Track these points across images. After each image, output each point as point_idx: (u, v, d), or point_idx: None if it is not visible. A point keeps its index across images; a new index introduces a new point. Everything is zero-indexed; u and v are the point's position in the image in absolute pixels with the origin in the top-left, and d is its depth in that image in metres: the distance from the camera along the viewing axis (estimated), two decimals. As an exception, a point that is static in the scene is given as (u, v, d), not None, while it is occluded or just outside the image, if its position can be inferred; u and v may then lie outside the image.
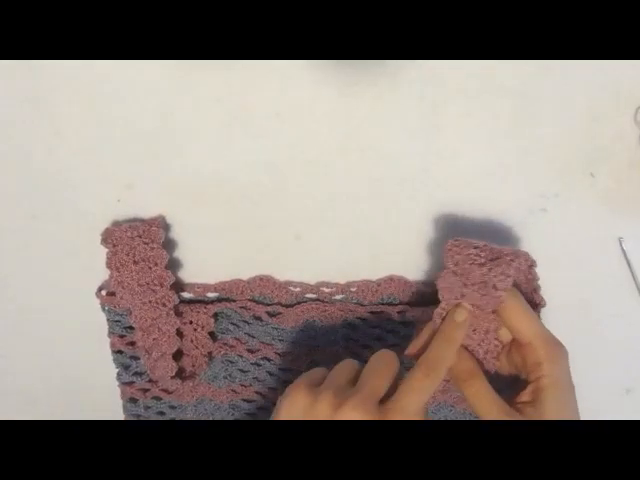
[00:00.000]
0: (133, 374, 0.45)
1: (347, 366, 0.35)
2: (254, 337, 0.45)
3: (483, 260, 0.35)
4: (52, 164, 0.41)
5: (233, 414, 0.48)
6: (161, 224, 0.41)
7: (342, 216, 0.42)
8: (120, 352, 0.45)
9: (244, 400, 0.47)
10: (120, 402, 0.47)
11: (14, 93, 0.39)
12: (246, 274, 0.44)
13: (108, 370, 0.45)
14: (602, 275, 0.44)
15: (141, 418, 0.47)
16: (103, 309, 0.44)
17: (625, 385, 0.48)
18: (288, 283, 0.44)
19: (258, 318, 0.44)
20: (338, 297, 0.44)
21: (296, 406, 0.33)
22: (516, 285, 0.38)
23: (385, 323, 0.44)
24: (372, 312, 0.44)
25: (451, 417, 0.47)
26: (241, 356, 0.45)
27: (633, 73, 0.38)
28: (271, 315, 0.44)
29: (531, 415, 0.34)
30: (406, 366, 0.38)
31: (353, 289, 0.44)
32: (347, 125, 0.39)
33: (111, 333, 0.44)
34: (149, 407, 0.47)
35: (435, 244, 0.42)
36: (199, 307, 0.43)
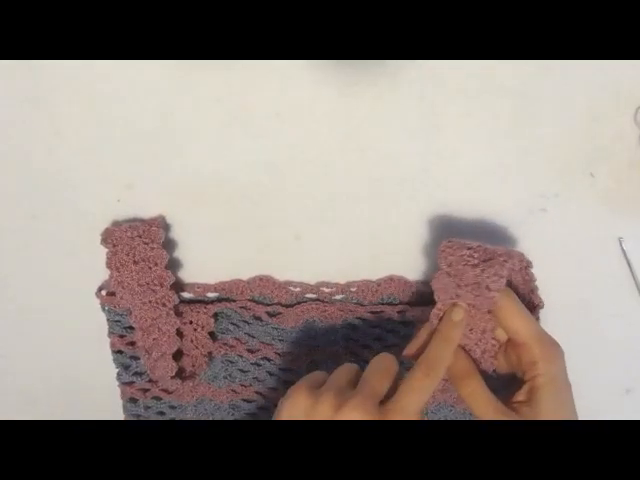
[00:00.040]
0: (133, 374, 0.45)
1: (347, 369, 0.36)
2: (254, 337, 0.45)
3: (476, 261, 0.35)
4: (52, 164, 0.41)
5: (233, 414, 0.48)
6: (161, 224, 0.41)
7: (342, 216, 0.42)
8: (120, 352, 0.45)
9: (244, 400, 0.47)
10: (120, 402, 0.47)
11: (14, 93, 0.39)
12: (246, 274, 0.44)
13: (108, 370, 0.45)
14: (602, 275, 0.44)
15: (141, 418, 0.47)
16: (103, 309, 0.44)
17: (625, 385, 0.48)
18: (288, 283, 0.44)
19: (258, 318, 0.44)
20: (338, 297, 0.44)
21: (297, 407, 0.33)
22: (513, 286, 0.38)
23: (385, 323, 0.44)
24: (372, 312, 0.44)
25: (451, 417, 0.47)
26: (241, 356, 0.45)
27: (633, 73, 0.38)
28: (271, 315, 0.44)
29: (527, 414, 0.34)
30: (406, 366, 0.38)
31: (353, 289, 0.44)
32: (347, 125, 0.39)
33: (111, 333, 0.44)
34: (149, 407, 0.47)
35: (435, 244, 0.42)
36: (199, 307, 0.43)
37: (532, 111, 0.39)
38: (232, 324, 0.45)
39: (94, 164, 0.41)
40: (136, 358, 0.45)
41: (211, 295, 0.45)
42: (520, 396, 0.35)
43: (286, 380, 0.46)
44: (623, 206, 0.42)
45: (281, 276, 0.44)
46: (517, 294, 0.38)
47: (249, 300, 0.44)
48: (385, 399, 0.33)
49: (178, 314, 0.43)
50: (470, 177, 0.41)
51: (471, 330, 0.36)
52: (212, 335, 0.45)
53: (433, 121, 0.39)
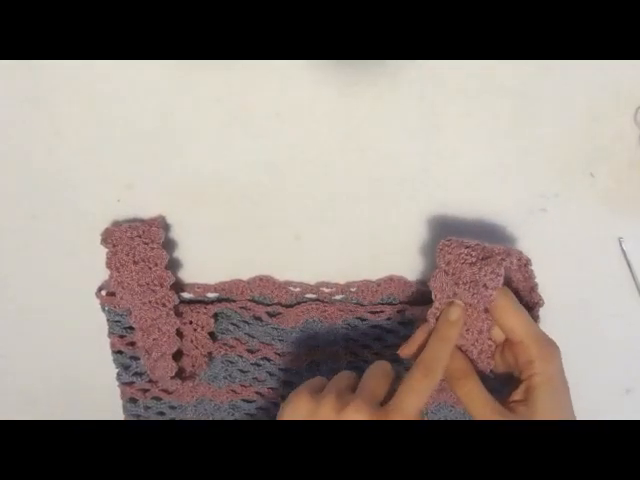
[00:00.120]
0: (133, 374, 0.45)
1: (346, 375, 0.36)
2: (254, 337, 0.45)
3: (474, 259, 0.35)
4: (52, 164, 0.41)
5: (233, 414, 0.48)
6: (161, 224, 0.41)
7: (342, 216, 0.42)
8: (120, 352, 0.45)
9: (244, 400, 0.47)
10: (120, 402, 0.47)
11: (14, 93, 0.39)
12: (246, 274, 0.44)
13: (108, 370, 0.45)
14: (602, 275, 0.44)
15: (141, 418, 0.47)
16: (103, 309, 0.44)
17: (625, 385, 0.48)
18: (288, 283, 0.44)
19: (258, 318, 0.44)
20: (338, 297, 0.44)
21: (299, 411, 0.33)
22: (513, 284, 0.38)
23: (385, 323, 0.44)
24: (372, 312, 0.44)
25: (451, 417, 0.47)
26: (241, 356, 0.45)
27: (633, 73, 0.38)
28: (271, 315, 0.44)
29: (523, 414, 0.34)
30: (405, 365, 0.38)
31: (353, 289, 0.44)
32: (347, 125, 0.39)
33: (111, 333, 0.44)
34: (149, 407, 0.47)
35: (435, 244, 0.42)
36: (199, 307, 0.43)
37: (532, 111, 0.39)
38: (232, 324, 0.45)
39: (94, 164, 0.41)
40: (136, 358, 0.45)
41: (211, 295, 0.45)
42: (517, 395, 0.35)
43: (286, 380, 0.46)
44: (623, 206, 0.42)
45: (281, 276, 0.44)
46: (517, 292, 0.38)
47: (249, 300, 0.44)
48: (384, 402, 0.34)
49: (178, 314, 0.43)
50: (470, 177, 0.41)
51: (468, 330, 0.36)
52: (212, 335, 0.45)
53: (433, 121, 0.39)
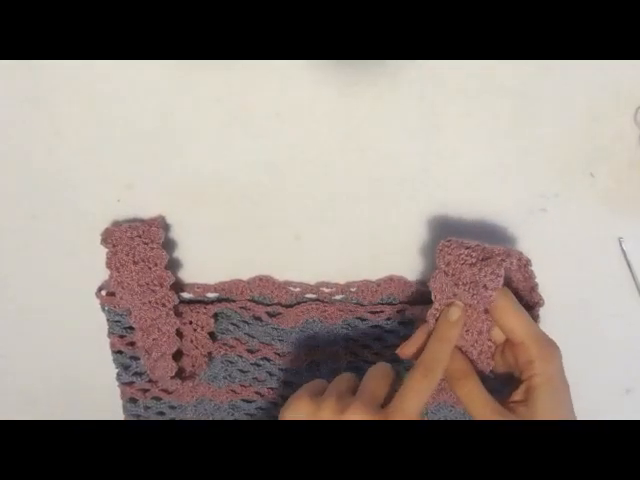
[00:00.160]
0: (133, 374, 0.45)
1: (346, 377, 0.36)
2: (254, 337, 0.45)
3: (474, 260, 0.35)
4: (52, 164, 0.41)
5: (233, 414, 0.48)
6: (161, 224, 0.41)
7: (342, 216, 0.42)
8: (120, 352, 0.45)
9: (244, 400, 0.47)
10: (120, 402, 0.47)
11: (14, 93, 0.39)
12: (246, 274, 0.44)
13: (108, 370, 0.45)
14: (602, 275, 0.44)
15: (141, 418, 0.47)
16: (103, 309, 0.44)
17: (625, 385, 0.48)
18: (288, 283, 0.44)
19: (258, 318, 0.44)
20: (338, 297, 0.44)
21: (299, 415, 0.34)
22: (513, 284, 0.38)
23: (385, 323, 0.44)
24: (372, 312, 0.44)
25: (451, 417, 0.47)
26: (241, 356, 0.45)
27: (633, 73, 0.38)
28: (271, 315, 0.44)
29: (524, 414, 0.34)
30: (405, 366, 0.38)
31: (353, 289, 0.44)
32: (347, 125, 0.39)
33: (111, 333, 0.44)
34: (149, 407, 0.47)
35: (435, 244, 0.42)
36: (199, 307, 0.43)
37: (532, 111, 0.39)
38: (232, 324, 0.45)
39: (94, 164, 0.41)
40: (136, 358, 0.45)
41: (211, 295, 0.45)
42: (517, 396, 0.35)
43: (286, 380, 0.46)
44: (623, 206, 0.42)
45: (281, 276, 0.44)
46: (517, 292, 0.38)
47: (249, 300, 0.44)
48: (384, 404, 0.34)
49: (178, 314, 0.43)
50: (470, 177, 0.41)
51: (467, 331, 0.36)
52: (212, 335, 0.45)
53: (433, 121, 0.39)
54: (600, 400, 0.47)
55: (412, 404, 0.33)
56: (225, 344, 0.45)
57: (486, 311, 0.36)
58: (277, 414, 0.46)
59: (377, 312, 0.44)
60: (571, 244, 0.43)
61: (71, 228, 0.43)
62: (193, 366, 0.45)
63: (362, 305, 0.44)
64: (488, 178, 0.41)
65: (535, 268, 0.39)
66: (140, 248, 0.40)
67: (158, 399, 0.47)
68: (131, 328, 0.43)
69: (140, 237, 0.40)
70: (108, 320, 0.44)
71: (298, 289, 0.44)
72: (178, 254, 0.44)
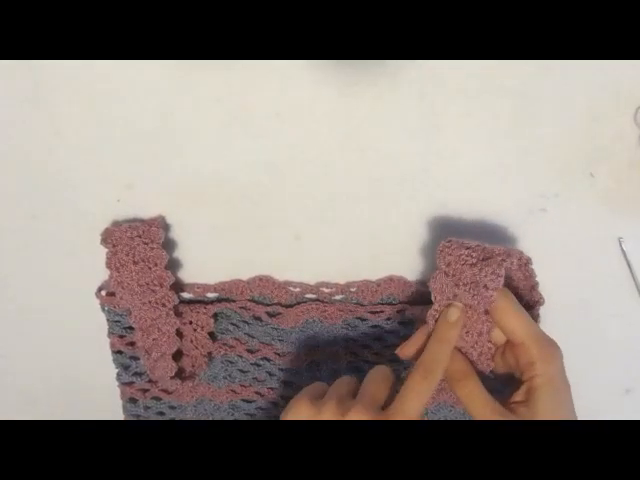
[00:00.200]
0: (133, 374, 0.45)
1: (346, 380, 0.36)
2: (254, 337, 0.45)
3: (474, 260, 0.35)
4: (52, 164, 0.41)
5: (233, 414, 0.48)
6: (161, 224, 0.41)
7: (342, 216, 0.42)
8: (120, 352, 0.45)
9: (244, 400, 0.47)
10: (120, 402, 0.47)
11: (14, 93, 0.39)
12: (246, 274, 0.44)
13: (108, 370, 0.45)
14: (602, 275, 0.44)
15: (141, 418, 0.47)
16: (103, 309, 0.44)
17: (625, 385, 0.48)
18: (288, 283, 0.44)
19: (258, 318, 0.44)
20: (338, 297, 0.44)
21: (300, 418, 0.34)
22: (514, 283, 0.38)
23: (385, 323, 0.44)
24: (372, 312, 0.44)
25: (451, 417, 0.47)
26: (241, 356, 0.45)
27: (633, 73, 0.38)
28: (271, 315, 0.44)
29: (524, 415, 0.34)
30: (405, 366, 0.38)
31: (353, 289, 0.44)
32: (347, 125, 0.39)
33: (111, 333, 0.44)
34: (149, 407, 0.47)
35: (435, 244, 0.42)
36: (199, 307, 0.43)
37: (532, 111, 0.39)
38: (232, 324, 0.45)
39: (94, 164, 0.41)
40: (136, 358, 0.45)
41: (211, 295, 0.45)
42: (518, 397, 0.35)
43: (286, 380, 0.46)
44: (623, 206, 0.42)
45: (281, 276, 0.44)
46: (518, 290, 0.38)
47: (249, 300, 0.44)
48: (385, 406, 0.34)
49: (178, 314, 0.43)
50: (470, 177, 0.41)
51: (467, 332, 0.36)
52: (212, 335, 0.45)
53: (433, 121, 0.39)
54: (600, 400, 0.47)
55: (412, 406, 0.33)
56: (225, 344, 0.45)
57: (486, 312, 0.36)
58: (277, 414, 0.46)
59: (377, 312, 0.44)
60: (571, 244, 0.43)
61: (71, 228, 0.43)
62: (193, 366, 0.45)
63: (362, 305, 0.44)
64: (488, 178, 0.41)
65: (535, 268, 0.39)
66: (140, 248, 0.40)
67: (158, 399, 0.47)
68: (131, 328, 0.43)
69: (140, 237, 0.40)
70: (108, 320, 0.44)
71: (298, 289, 0.44)
72: (178, 254, 0.44)
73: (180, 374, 0.44)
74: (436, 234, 0.42)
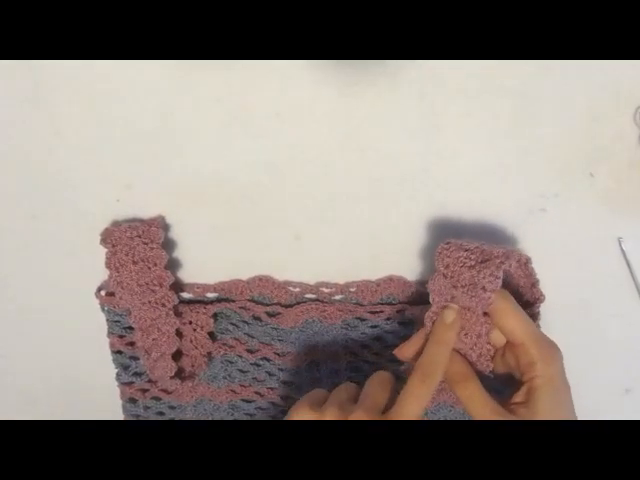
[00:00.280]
0: (132, 374, 0.45)
1: (347, 386, 0.37)
2: (253, 337, 0.45)
3: (473, 263, 0.36)
4: (52, 164, 0.41)
5: (232, 414, 0.48)
6: (161, 224, 0.41)
7: (342, 216, 0.42)
8: (119, 352, 0.45)
9: (243, 400, 0.47)
10: (120, 402, 0.47)
11: (14, 93, 0.39)
12: (246, 274, 0.44)
13: (108, 370, 0.45)
14: (602, 275, 0.44)
15: (141, 418, 0.47)
16: (102, 309, 0.44)
17: (625, 385, 0.48)
18: (287, 283, 0.44)
19: (257, 318, 0.44)
20: (337, 297, 0.44)
21: None
22: (514, 280, 0.38)
23: (384, 323, 0.44)
24: (371, 312, 0.44)
25: (450, 417, 0.47)
26: (240, 356, 0.45)
27: (633, 73, 0.38)
28: (270, 315, 0.44)
29: (525, 416, 0.34)
30: (405, 366, 0.38)
31: (352, 289, 0.44)
32: (347, 125, 0.39)
33: (110, 333, 0.44)
34: (148, 407, 0.47)
35: (435, 244, 0.42)
36: (198, 307, 0.43)
37: (532, 111, 0.39)
38: (231, 324, 0.45)
39: (94, 164, 0.41)
40: (135, 358, 0.45)
41: (210, 295, 0.45)
42: (518, 397, 0.35)
43: (286, 380, 0.46)
44: (623, 206, 0.42)
45: (281, 276, 0.44)
46: (518, 288, 0.38)
47: (248, 300, 0.44)
48: (385, 410, 0.34)
49: (177, 314, 0.43)
50: (470, 177, 0.41)
51: (466, 334, 0.36)
52: (211, 335, 0.45)
53: (433, 121, 0.39)
54: (600, 400, 0.47)
55: (412, 409, 0.33)
56: (225, 344, 0.45)
57: (485, 314, 0.36)
58: (277, 414, 0.46)
59: (377, 312, 0.44)
60: (571, 244, 0.43)
61: (71, 228, 0.43)
62: (193, 366, 0.45)
63: (362, 305, 0.44)
64: (488, 178, 0.41)
65: (535, 268, 0.39)
66: (140, 248, 0.40)
67: (158, 399, 0.47)
68: (131, 328, 0.43)
69: (140, 237, 0.40)
70: (108, 320, 0.44)
71: (298, 289, 0.44)
72: (178, 254, 0.44)
73: (180, 374, 0.44)
74: (436, 234, 0.42)
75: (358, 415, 0.33)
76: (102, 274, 0.42)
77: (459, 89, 0.38)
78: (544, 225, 0.42)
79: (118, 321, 0.44)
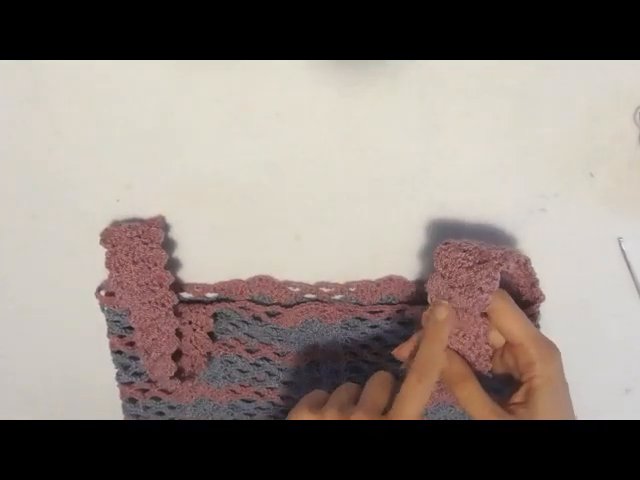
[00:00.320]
0: (132, 374, 0.45)
1: (347, 387, 0.37)
2: (253, 337, 0.45)
3: (470, 263, 0.36)
4: (52, 164, 0.41)
5: (232, 414, 0.48)
6: (160, 224, 0.41)
7: (342, 216, 0.42)
8: (119, 352, 0.45)
9: (243, 400, 0.47)
10: (120, 402, 0.47)
11: (14, 93, 0.39)
12: (245, 274, 0.44)
13: (107, 370, 0.45)
14: (602, 275, 0.44)
15: (140, 418, 0.47)
16: (102, 309, 0.44)
17: (624, 385, 0.48)
18: (287, 283, 0.44)
19: (257, 318, 0.44)
20: (337, 297, 0.44)
21: None
22: (514, 280, 0.38)
23: (384, 323, 0.44)
24: (371, 312, 0.44)
25: (450, 417, 0.47)
26: (240, 356, 0.45)
27: (633, 73, 0.38)
28: (270, 315, 0.44)
29: (524, 416, 0.34)
30: (405, 366, 0.38)
31: (352, 289, 0.44)
32: (347, 125, 0.39)
33: (110, 333, 0.44)
34: (148, 407, 0.47)
35: (435, 244, 0.42)
36: (198, 307, 0.43)
37: (532, 111, 0.39)
38: (231, 324, 0.45)
39: (94, 164, 0.41)
40: (135, 358, 0.45)
41: (210, 295, 0.45)
42: (517, 398, 0.35)
43: (286, 380, 0.46)
44: (623, 206, 0.42)
45: (280, 276, 0.44)
46: (518, 287, 0.38)
47: (248, 300, 0.44)
48: (385, 410, 0.34)
49: (177, 314, 0.43)
50: (470, 177, 0.41)
51: (464, 335, 0.36)
52: (211, 335, 0.45)
53: (433, 121, 0.39)
54: (600, 400, 0.47)
55: (411, 409, 0.33)
56: (224, 344, 0.45)
57: (483, 315, 0.36)
58: (277, 414, 0.46)
59: (376, 312, 0.44)
60: (571, 244, 0.43)
61: (71, 228, 0.43)
62: (192, 366, 0.45)
63: (361, 305, 0.44)
64: (488, 178, 0.41)
65: (535, 268, 0.39)
66: (139, 248, 0.40)
67: (157, 399, 0.47)
68: (130, 328, 0.43)
69: (140, 237, 0.40)
70: (107, 320, 0.44)
71: (297, 289, 0.44)
72: (178, 254, 0.44)
73: (179, 374, 0.44)
74: (436, 234, 0.42)
75: (358, 416, 0.33)
76: (102, 274, 0.42)
77: (459, 89, 0.38)
78: (544, 225, 0.42)
79: (118, 321, 0.44)
